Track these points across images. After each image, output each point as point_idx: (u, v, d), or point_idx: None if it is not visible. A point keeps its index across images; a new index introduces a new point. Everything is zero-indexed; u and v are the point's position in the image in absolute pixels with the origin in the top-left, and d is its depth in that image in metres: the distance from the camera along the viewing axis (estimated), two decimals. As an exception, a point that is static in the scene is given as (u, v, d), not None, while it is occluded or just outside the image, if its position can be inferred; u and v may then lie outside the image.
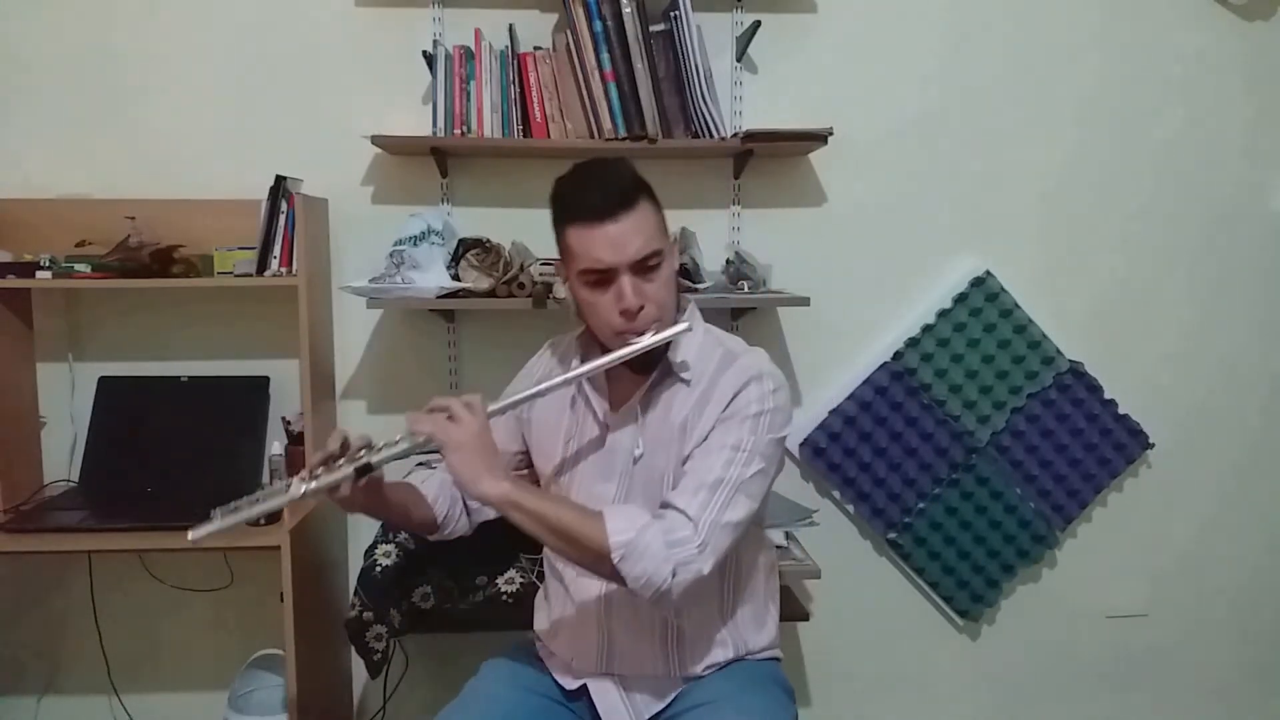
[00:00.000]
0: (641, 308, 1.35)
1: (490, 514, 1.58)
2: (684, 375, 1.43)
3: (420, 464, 1.97)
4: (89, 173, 2.17)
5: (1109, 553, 2.49)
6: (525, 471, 1.60)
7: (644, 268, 1.35)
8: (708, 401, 1.40)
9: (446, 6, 2.18)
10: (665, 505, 1.33)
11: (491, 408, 1.35)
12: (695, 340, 1.46)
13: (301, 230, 1.99)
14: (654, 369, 1.43)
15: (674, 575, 1.27)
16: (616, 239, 1.32)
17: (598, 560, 1.29)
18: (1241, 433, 2.48)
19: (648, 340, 1.35)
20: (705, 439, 1.38)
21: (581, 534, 1.29)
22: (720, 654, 1.49)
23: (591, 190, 1.35)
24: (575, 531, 1.29)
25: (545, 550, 1.60)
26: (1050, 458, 2.41)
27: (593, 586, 1.47)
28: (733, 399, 1.38)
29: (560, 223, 1.39)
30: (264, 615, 2.14)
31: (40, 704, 2.33)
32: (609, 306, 1.35)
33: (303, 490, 1.28)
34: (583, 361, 1.48)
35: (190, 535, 1.28)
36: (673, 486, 1.38)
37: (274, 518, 1.94)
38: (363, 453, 1.30)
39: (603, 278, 1.35)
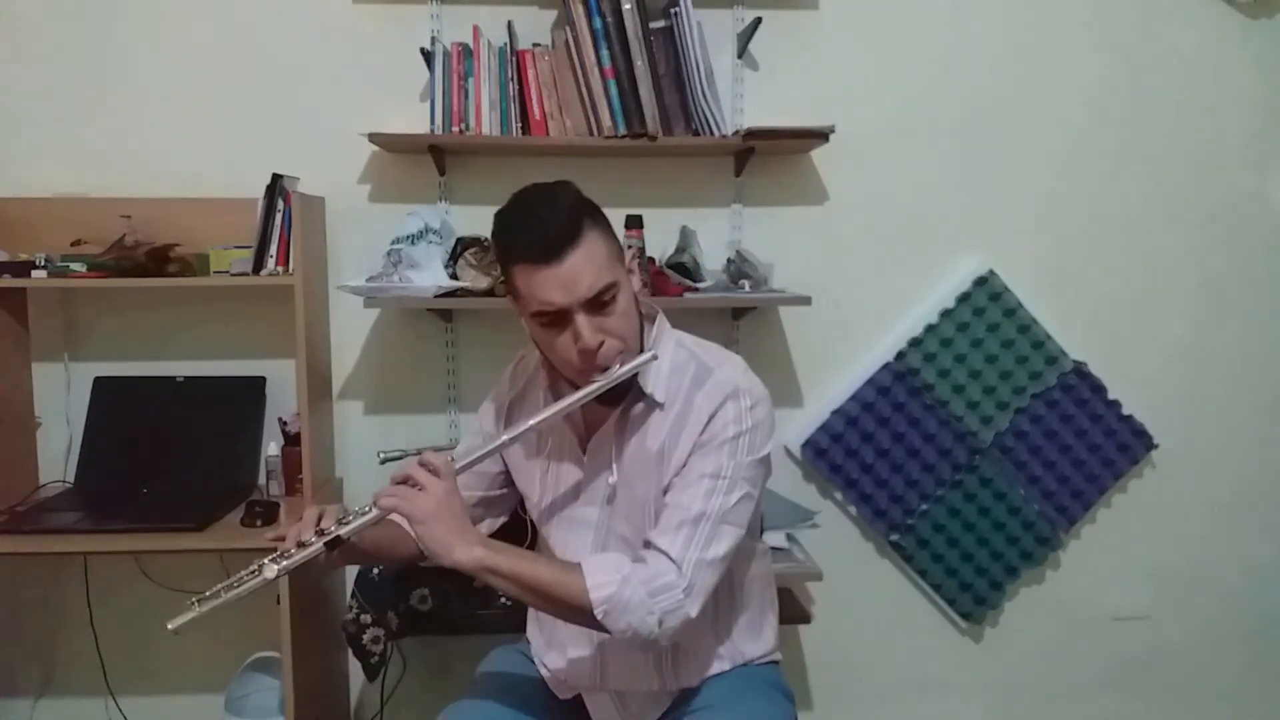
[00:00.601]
0: (602, 343, 1.27)
1: (482, 530, 1.56)
2: (658, 397, 1.36)
3: None
4: (84, 171, 2.15)
5: (1113, 554, 2.48)
6: (507, 490, 1.55)
7: (599, 304, 1.26)
8: (684, 425, 1.34)
9: (445, 3, 2.17)
10: (647, 545, 1.29)
11: (459, 464, 1.30)
12: (665, 361, 1.38)
13: (298, 229, 1.98)
14: (623, 397, 1.36)
15: (660, 625, 1.23)
16: (565, 279, 1.23)
17: (581, 617, 1.25)
18: (1246, 433, 2.47)
19: (613, 375, 1.29)
20: (684, 466, 1.32)
21: (561, 592, 1.24)
22: (716, 667, 1.46)
23: (533, 227, 1.24)
24: (555, 590, 1.24)
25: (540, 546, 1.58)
26: (1054, 458, 2.39)
27: None
28: (709, 422, 1.32)
29: (505, 262, 1.30)
30: (261, 618, 2.11)
31: (36, 706, 2.32)
32: (567, 345, 1.28)
33: (275, 571, 1.26)
34: (550, 391, 1.43)
35: (170, 625, 1.29)
36: (654, 514, 1.33)
37: (271, 519, 1.93)
38: (333, 528, 1.27)
39: (555, 318, 1.26)
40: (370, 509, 1.26)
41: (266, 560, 1.27)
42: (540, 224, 1.24)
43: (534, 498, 1.47)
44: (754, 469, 1.33)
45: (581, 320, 1.25)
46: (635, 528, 1.36)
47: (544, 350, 1.36)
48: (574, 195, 1.29)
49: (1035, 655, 2.49)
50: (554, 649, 1.50)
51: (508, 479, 1.54)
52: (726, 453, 1.30)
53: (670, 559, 1.25)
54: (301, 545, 1.26)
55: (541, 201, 1.27)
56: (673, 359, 1.39)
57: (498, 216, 1.30)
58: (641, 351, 1.32)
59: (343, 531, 1.25)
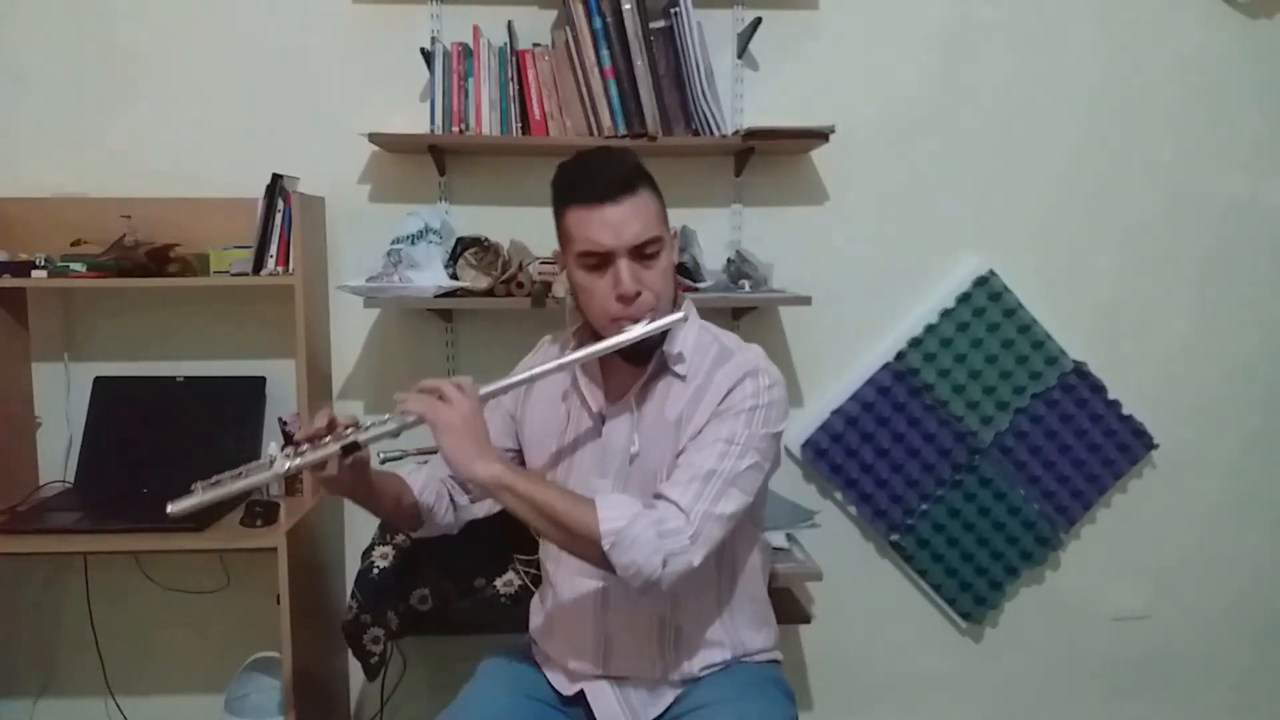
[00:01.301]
0: (638, 294, 1.34)
1: (478, 513, 1.58)
2: (679, 369, 1.42)
3: (420, 465, 1.95)
4: (85, 171, 2.15)
5: (1113, 554, 2.48)
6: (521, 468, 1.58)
7: (642, 254, 1.34)
8: (702, 396, 1.39)
9: (445, 3, 2.17)
10: (658, 496, 1.32)
11: (484, 390, 1.33)
12: (691, 334, 1.45)
13: (298, 229, 1.98)
14: (649, 362, 1.42)
15: (664, 566, 1.26)
16: (615, 222, 1.32)
17: (588, 547, 1.28)
18: (1246, 433, 2.47)
19: (643, 328, 1.34)
20: (699, 433, 1.37)
21: (572, 520, 1.28)
22: (718, 654, 1.47)
23: (593, 174, 1.35)
24: (566, 517, 1.28)
25: (541, 551, 1.59)
26: (1054, 458, 2.39)
27: (589, 584, 1.45)
28: (728, 394, 1.37)
29: (560, 206, 1.38)
30: (260, 618, 2.12)
31: (36, 706, 2.32)
32: (605, 291, 1.35)
33: (286, 466, 1.26)
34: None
35: (170, 508, 1.27)
36: (667, 477, 1.37)
37: (271, 519, 1.93)
38: (350, 431, 1.29)
39: (600, 261, 1.34)
40: (389, 419, 1.29)
41: (280, 453, 1.28)
42: (600, 170, 1.35)
43: (547, 462, 1.49)
44: (766, 442, 1.37)
45: (624, 265, 1.33)
46: (648, 493, 1.38)
47: (581, 300, 1.41)
48: (635, 157, 1.39)
49: (1035, 655, 2.49)
50: (558, 632, 1.51)
51: (519, 459, 1.56)
52: (742, 421, 1.35)
53: (679, 508, 1.29)
54: (313, 444, 1.28)
55: (603, 155, 1.38)
56: (697, 339, 1.45)
57: (560, 166, 1.39)
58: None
59: (360, 438, 1.28)
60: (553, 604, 1.53)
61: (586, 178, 1.35)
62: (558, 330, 1.63)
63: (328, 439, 1.28)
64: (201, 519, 1.90)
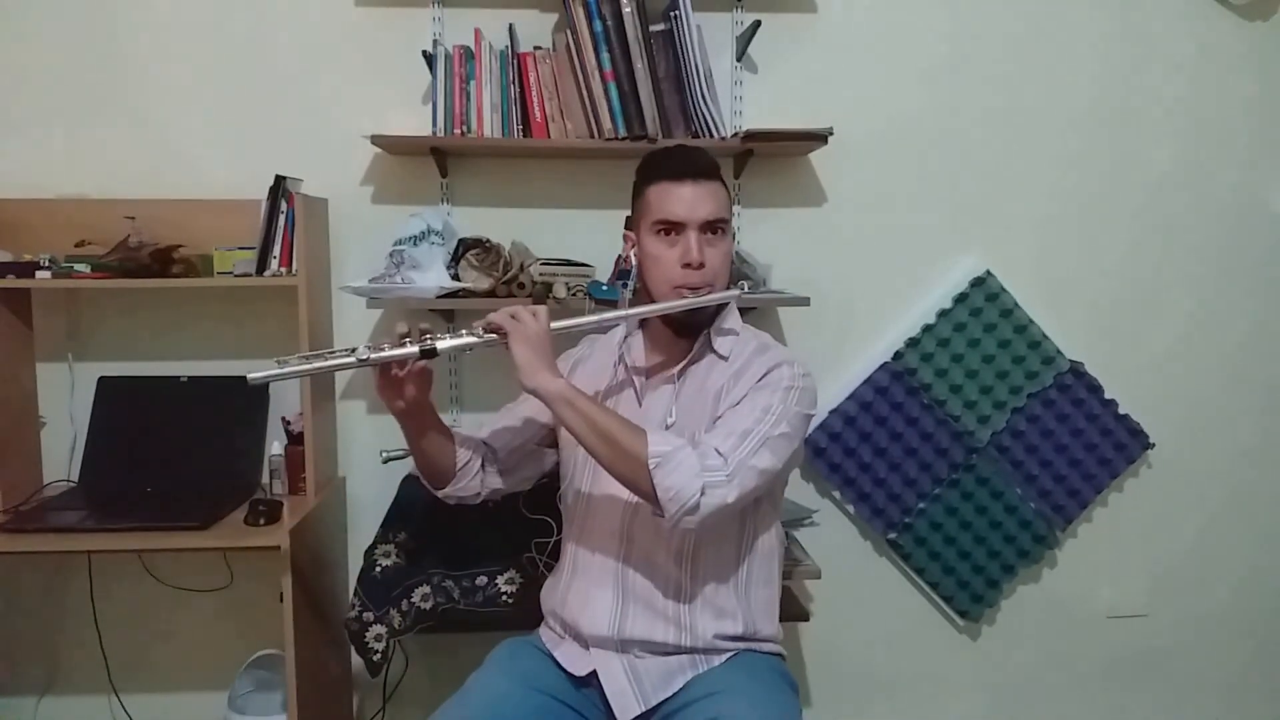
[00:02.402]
0: (702, 265, 1.48)
1: (502, 486, 1.64)
2: (723, 351, 1.55)
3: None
4: (89, 172, 2.16)
5: (1109, 553, 2.49)
6: (540, 450, 1.68)
7: (710, 230, 1.50)
8: (741, 376, 1.52)
9: (446, 6, 2.18)
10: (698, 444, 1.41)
11: (555, 324, 1.44)
12: (738, 321, 1.60)
13: (301, 230, 2.00)
14: (697, 337, 1.55)
15: (702, 494, 1.34)
16: (692, 198, 1.49)
17: (634, 467, 1.36)
18: (1242, 433, 2.48)
19: (703, 297, 1.49)
20: (738, 404, 1.47)
21: (624, 440, 1.37)
22: (729, 625, 1.51)
23: (679, 158, 1.53)
24: (618, 436, 1.38)
25: (565, 535, 1.64)
26: (1050, 458, 2.41)
27: (614, 546, 1.52)
28: (766, 374, 1.49)
29: (644, 183, 1.55)
30: (264, 615, 2.13)
31: (40, 704, 2.33)
32: (673, 260, 1.50)
33: (367, 356, 1.37)
34: (629, 337, 1.62)
35: (250, 376, 1.36)
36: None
37: (275, 517, 1.94)
38: (428, 338, 1.40)
39: (672, 230, 1.50)
40: (466, 331, 1.43)
41: (361, 345, 1.39)
42: (685, 156, 1.53)
43: (580, 453, 1.54)
44: (799, 418, 1.48)
45: (693, 236, 1.49)
46: None
47: (648, 268, 1.54)
48: (714, 158, 1.55)
49: (1032, 653, 2.51)
50: (575, 596, 1.55)
51: (547, 438, 1.66)
52: (779, 397, 1.46)
53: (718, 452, 1.39)
54: (395, 346, 1.40)
55: (688, 147, 1.58)
56: (741, 329, 1.60)
57: (649, 154, 1.58)
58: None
59: (439, 345, 1.40)
60: (571, 574, 1.58)
61: (673, 160, 1.53)
62: (559, 334, 1.64)
63: (407, 341, 1.40)
64: (205, 518, 1.92)
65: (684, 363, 1.56)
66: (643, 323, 1.61)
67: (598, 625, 1.51)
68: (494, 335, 1.41)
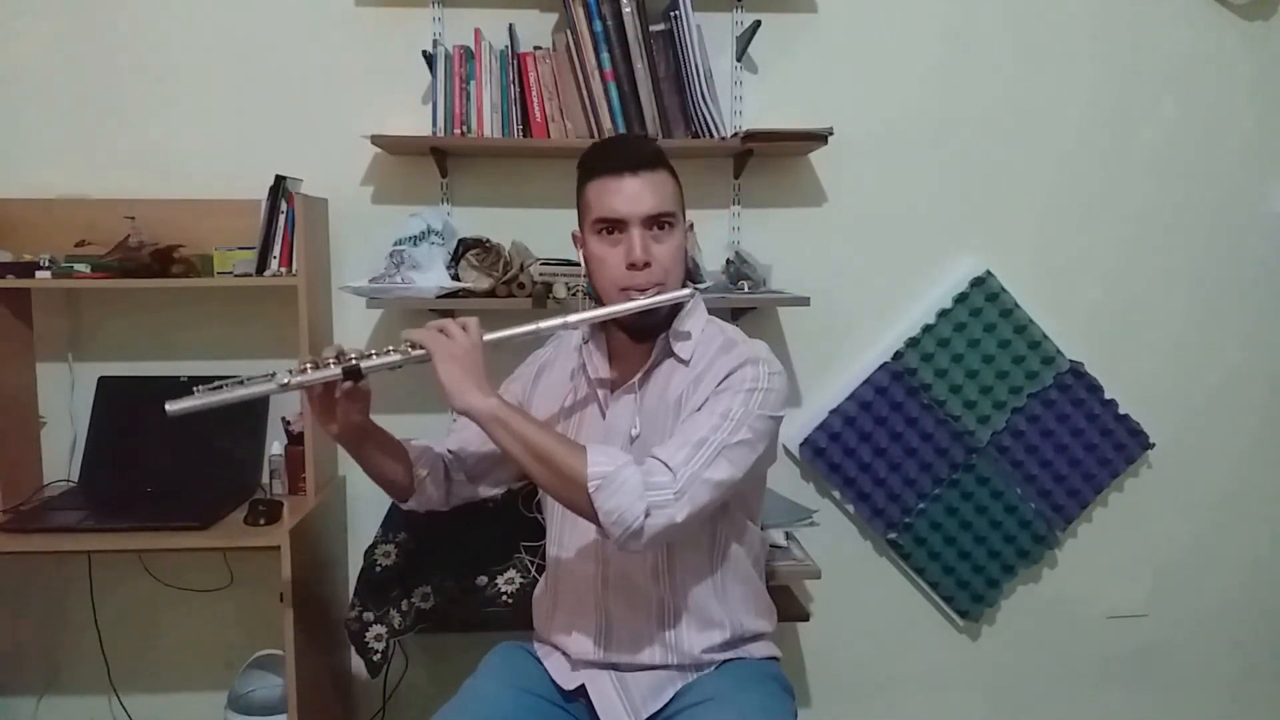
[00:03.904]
0: (648, 264, 1.39)
1: (477, 494, 1.60)
2: (682, 352, 1.46)
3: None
4: (89, 172, 2.16)
5: (1109, 553, 2.49)
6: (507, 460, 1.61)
7: (655, 225, 1.40)
8: (703, 379, 1.43)
9: (446, 6, 2.18)
10: (650, 457, 1.34)
11: (489, 336, 1.36)
12: (698, 322, 1.49)
13: (301, 230, 2.00)
14: (655, 343, 1.46)
15: (646, 515, 1.27)
16: (632, 192, 1.39)
17: (574, 490, 1.30)
18: (1242, 433, 2.48)
19: (650, 299, 1.39)
20: (699, 409, 1.39)
21: (562, 461, 1.30)
22: (717, 634, 1.49)
23: (615, 149, 1.46)
24: (556, 458, 1.30)
25: (547, 539, 1.60)
26: (1050, 458, 2.41)
27: (590, 568, 1.48)
28: (727, 376, 1.40)
29: (583, 180, 1.45)
30: (264, 615, 2.13)
31: (40, 704, 2.33)
32: (617, 260, 1.40)
33: (286, 380, 1.29)
34: (588, 344, 1.52)
35: (169, 407, 1.30)
36: None
37: (275, 517, 1.94)
38: (354, 357, 1.32)
39: (614, 228, 1.40)
40: (391, 350, 1.33)
41: (282, 370, 1.30)
42: (622, 147, 1.47)
43: None
44: (762, 423, 1.38)
45: (636, 234, 1.39)
46: None
47: (594, 271, 1.45)
48: (655, 143, 1.48)
49: (1032, 653, 2.51)
50: (560, 617, 1.53)
51: None
52: (740, 400, 1.37)
53: (667, 466, 1.30)
54: (319, 369, 1.31)
55: (626, 136, 1.51)
56: (703, 329, 1.49)
57: (589, 147, 1.49)
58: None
59: (363, 365, 1.31)
60: (555, 589, 1.55)
61: (609, 153, 1.44)
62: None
63: (330, 362, 1.32)
64: (205, 518, 1.92)
65: (643, 370, 1.47)
66: (602, 329, 1.51)
67: (584, 651, 1.49)
68: (422, 352, 1.32)
